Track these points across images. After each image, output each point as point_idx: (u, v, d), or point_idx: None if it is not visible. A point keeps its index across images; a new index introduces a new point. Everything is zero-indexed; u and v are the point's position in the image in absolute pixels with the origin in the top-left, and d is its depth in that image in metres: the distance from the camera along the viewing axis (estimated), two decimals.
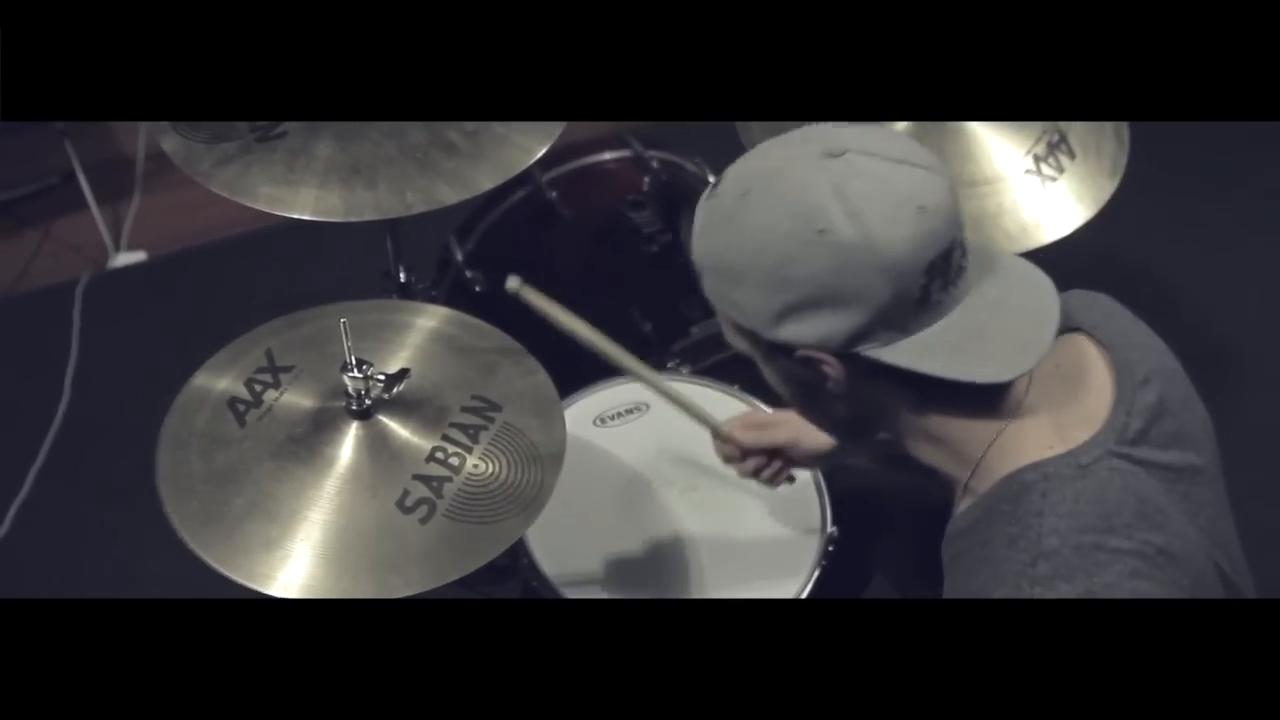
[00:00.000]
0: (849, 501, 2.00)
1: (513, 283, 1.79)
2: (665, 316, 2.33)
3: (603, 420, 2.11)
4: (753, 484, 1.91)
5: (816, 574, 1.91)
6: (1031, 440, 1.27)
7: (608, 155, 2.60)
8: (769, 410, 2.00)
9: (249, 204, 1.92)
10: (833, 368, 1.26)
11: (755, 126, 2.09)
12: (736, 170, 1.30)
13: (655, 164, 2.58)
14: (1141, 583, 1.20)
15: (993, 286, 1.27)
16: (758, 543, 1.97)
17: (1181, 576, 1.24)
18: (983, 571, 1.25)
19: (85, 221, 3.42)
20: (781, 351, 1.28)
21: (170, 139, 2.00)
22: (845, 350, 1.24)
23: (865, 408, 1.32)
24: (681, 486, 2.03)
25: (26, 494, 2.83)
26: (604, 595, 1.89)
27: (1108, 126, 2.16)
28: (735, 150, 2.10)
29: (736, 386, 2.15)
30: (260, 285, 3.11)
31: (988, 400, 1.28)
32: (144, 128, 3.55)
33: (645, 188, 2.52)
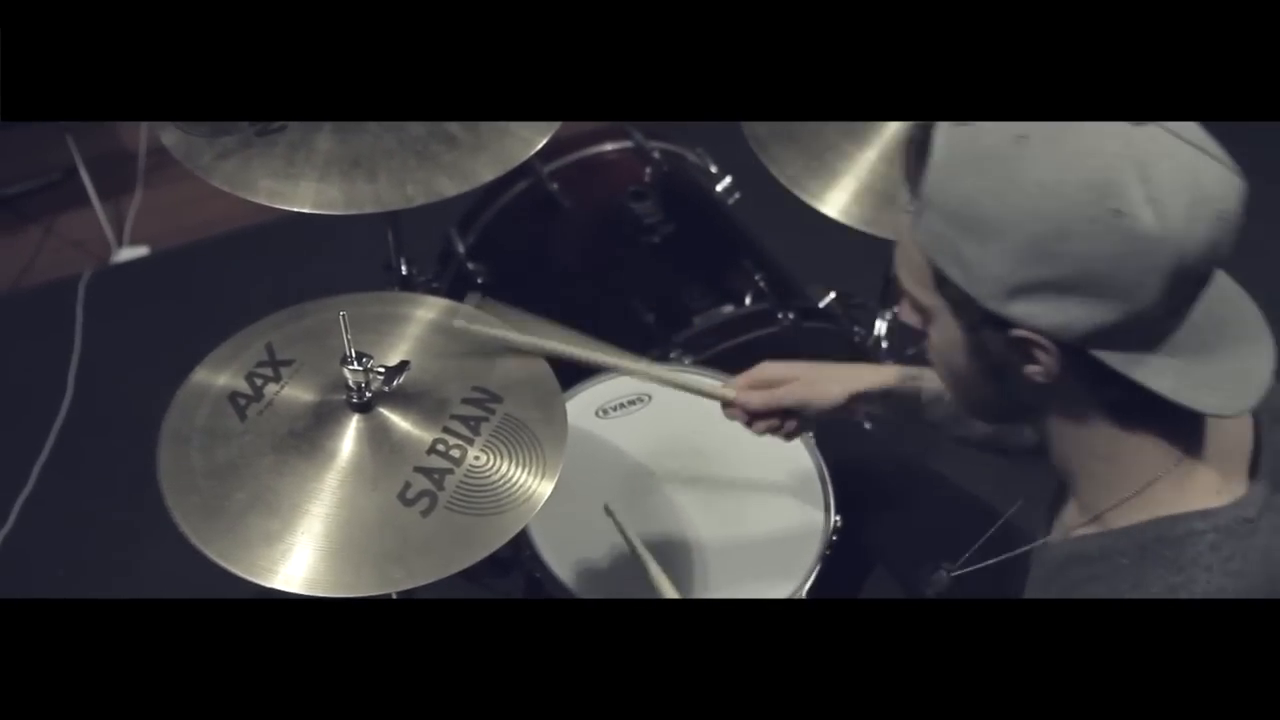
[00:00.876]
0: (854, 487, 1.99)
1: (459, 322, 1.78)
2: (667, 307, 2.32)
3: (605, 411, 2.10)
4: (755, 471, 1.91)
5: (819, 566, 1.91)
6: (1201, 483, 1.17)
7: (609, 146, 2.60)
8: (770, 366, 1.87)
9: (250, 198, 1.92)
10: (1049, 358, 1.12)
11: (758, 127, 2.10)
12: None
13: (657, 155, 2.58)
14: None
15: (1212, 302, 1.12)
16: (762, 533, 1.97)
17: None
18: None
19: (88, 217, 3.42)
20: (996, 325, 1.12)
21: (171, 134, 2.00)
22: (1080, 345, 1.10)
23: (1047, 404, 1.19)
24: (684, 477, 2.02)
25: (31, 489, 2.84)
26: (607, 586, 1.88)
27: None
28: (737, 141, 2.12)
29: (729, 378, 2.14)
30: (262, 278, 3.10)
31: (1183, 431, 1.17)
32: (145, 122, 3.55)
33: (647, 178, 2.52)
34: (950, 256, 1.12)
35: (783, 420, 1.77)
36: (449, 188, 1.96)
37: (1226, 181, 1.07)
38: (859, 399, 1.73)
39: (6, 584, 2.68)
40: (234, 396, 1.72)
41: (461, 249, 2.53)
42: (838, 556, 1.92)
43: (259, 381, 1.74)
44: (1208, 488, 1.17)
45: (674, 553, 1.93)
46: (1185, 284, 1.07)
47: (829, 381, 1.74)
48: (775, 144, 2.08)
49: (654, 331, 2.29)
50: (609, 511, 1.88)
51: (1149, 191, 1.03)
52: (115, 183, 3.52)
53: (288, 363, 1.76)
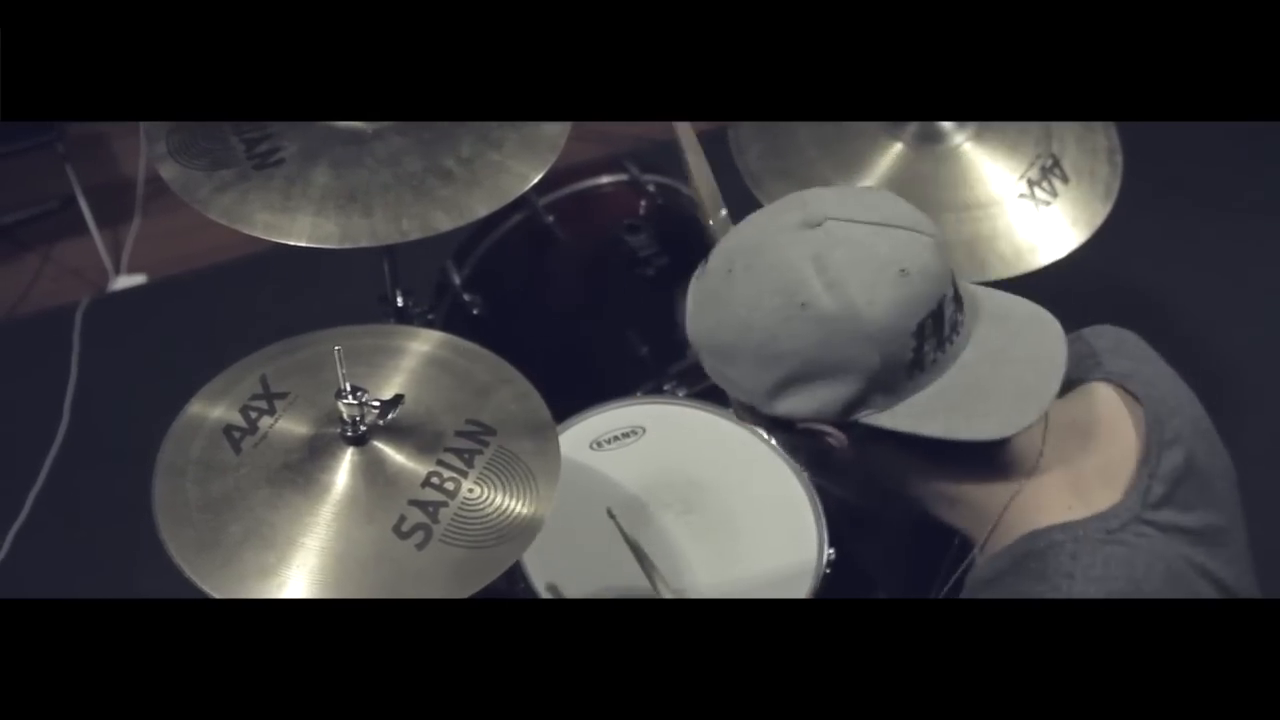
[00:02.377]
0: (848, 522, 1.99)
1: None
2: (662, 339, 2.32)
3: (599, 444, 2.10)
4: (749, 505, 1.90)
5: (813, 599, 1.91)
6: (1049, 500, 1.25)
7: (604, 179, 2.60)
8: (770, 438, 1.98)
9: (246, 231, 1.92)
10: (835, 438, 1.24)
11: (752, 162, 2.10)
12: (723, 247, 1.28)
13: (651, 188, 2.58)
14: None
15: (995, 336, 1.24)
16: (754, 564, 1.96)
17: None
18: None
19: (85, 245, 3.42)
20: (783, 425, 1.27)
21: (169, 166, 1.99)
22: (843, 419, 1.22)
23: (878, 473, 1.30)
24: (678, 510, 2.02)
25: (25, 518, 2.82)
26: None
27: (1101, 150, 2.16)
28: (731, 174, 2.12)
29: (730, 408, 2.14)
30: (259, 309, 3.11)
31: (999, 459, 1.25)
32: (143, 151, 3.54)
33: (642, 211, 2.52)
34: (724, 381, 1.29)
35: None
36: (444, 222, 1.96)
37: (910, 243, 1.19)
38: None
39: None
40: (229, 429, 1.72)
41: (457, 281, 2.52)
42: (833, 586, 1.92)
43: (254, 414, 1.74)
44: (1059, 503, 1.25)
45: (668, 584, 1.93)
46: (900, 339, 1.18)
47: None
48: (768, 178, 2.09)
49: (649, 363, 2.29)
50: (611, 515, 1.92)
51: (826, 278, 1.17)
52: (113, 211, 3.51)
53: (282, 395, 1.76)
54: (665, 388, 2.24)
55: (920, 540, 1.89)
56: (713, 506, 2.02)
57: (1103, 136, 2.19)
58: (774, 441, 1.39)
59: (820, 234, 1.19)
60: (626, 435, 2.11)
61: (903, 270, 1.17)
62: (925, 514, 1.34)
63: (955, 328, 1.21)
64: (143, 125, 2.07)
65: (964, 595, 1.33)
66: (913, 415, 1.20)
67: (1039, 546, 1.23)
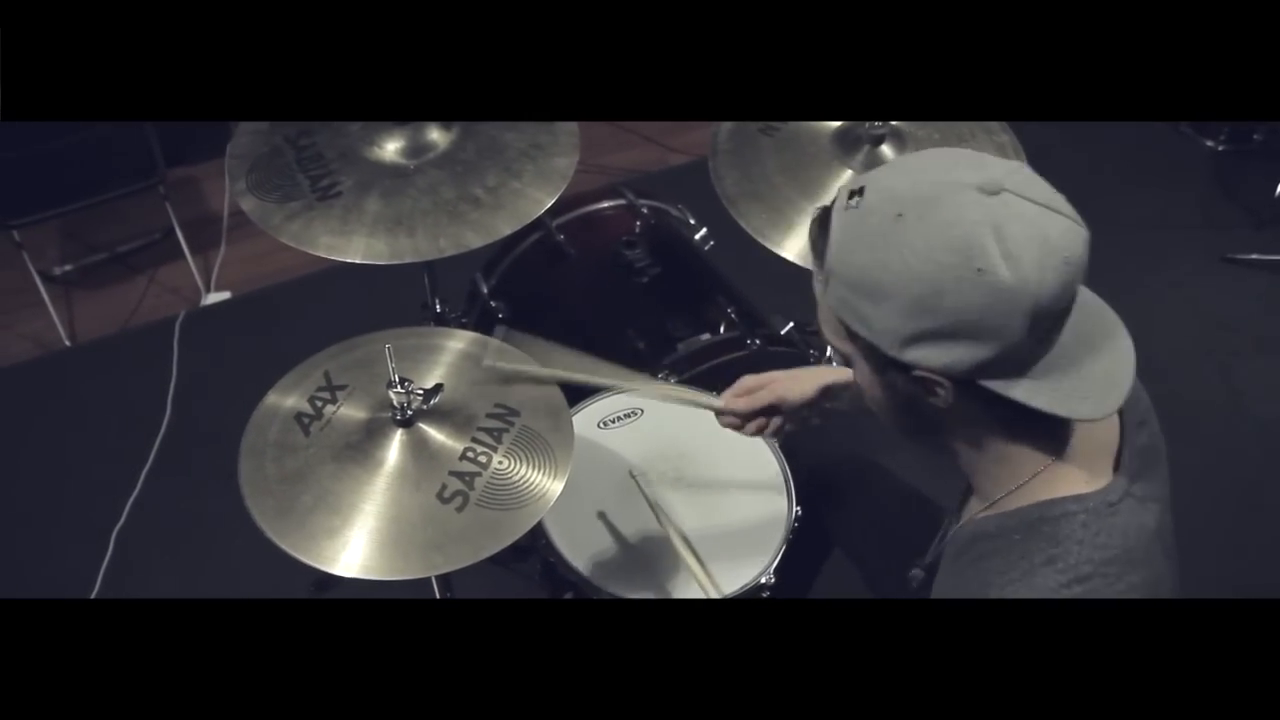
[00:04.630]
0: (812, 484, 1.97)
1: (486, 360, 1.76)
2: (655, 336, 2.30)
3: (605, 423, 2.08)
4: (730, 471, 1.88)
5: (784, 546, 1.89)
6: (1071, 474, 1.19)
7: (606, 204, 2.59)
8: (749, 377, 1.91)
9: (311, 251, 1.91)
10: (945, 389, 1.12)
11: (729, 187, 2.08)
12: (885, 186, 1.10)
13: (645, 210, 2.56)
14: None
15: (1084, 322, 1.13)
16: (736, 521, 1.94)
17: (1165, 596, 1.21)
18: (1012, 575, 1.17)
19: (182, 268, 3.42)
20: (898, 368, 1.13)
21: (248, 200, 1.99)
22: (966, 379, 1.10)
23: (951, 423, 1.19)
24: (672, 477, 2.00)
25: (138, 492, 2.82)
26: (609, 569, 1.86)
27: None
28: (711, 198, 2.10)
29: (715, 393, 2.12)
30: (323, 316, 3.08)
31: (1058, 435, 1.19)
32: (227, 189, 3.54)
33: (637, 230, 2.50)
34: (855, 315, 1.13)
35: (768, 418, 1.73)
36: (475, 240, 1.94)
37: (1071, 232, 1.07)
38: (826, 392, 1.70)
39: (122, 569, 2.68)
40: (299, 416, 1.71)
41: (485, 290, 2.51)
42: (801, 542, 1.90)
43: (319, 403, 1.72)
44: (1077, 479, 1.19)
45: (662, 540, 1.91)
46: (1045, 320, 1.07)
47: (801, 379, 1.71)
48: (743, 201, 2.07)
49: (645, 356, 2.27)
50: (632, 475, 1.91)
51: (1004, 249, 1.03)
52: (204, 240, 3.52)
53: (343, 387, 1.74)
54: (659, 376, 2.22)
55: (903, 512, 1.87)
56: (700, 474, 2.00)
57: (1016, 163, 2.16)
58: (867, 375, 1.20)
59: (998, 204, 1.05)
60: (628, 416, 2.10)
61: (1067, 258, 1.05)
62: (936, 463, 1.27)
63: (1068, 314, 1.11)
64: (227, 166, 2.04)
65: (954, 544, 1.29)
66: (1027, 387, 1.10)
67: (1053, 514, 1.17)
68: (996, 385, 1.10)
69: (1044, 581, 1.14)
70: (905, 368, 1.12)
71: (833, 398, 1.71)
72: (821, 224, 1.16)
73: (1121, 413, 1.23)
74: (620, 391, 2.06)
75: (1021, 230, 1.04)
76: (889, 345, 1.11)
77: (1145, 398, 1.31)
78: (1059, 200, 1.08)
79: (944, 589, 1.29)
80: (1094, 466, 1.20)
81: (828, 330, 1.20)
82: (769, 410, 1.72)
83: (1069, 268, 1.06)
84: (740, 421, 1.74)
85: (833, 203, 1.15)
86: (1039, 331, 1.07)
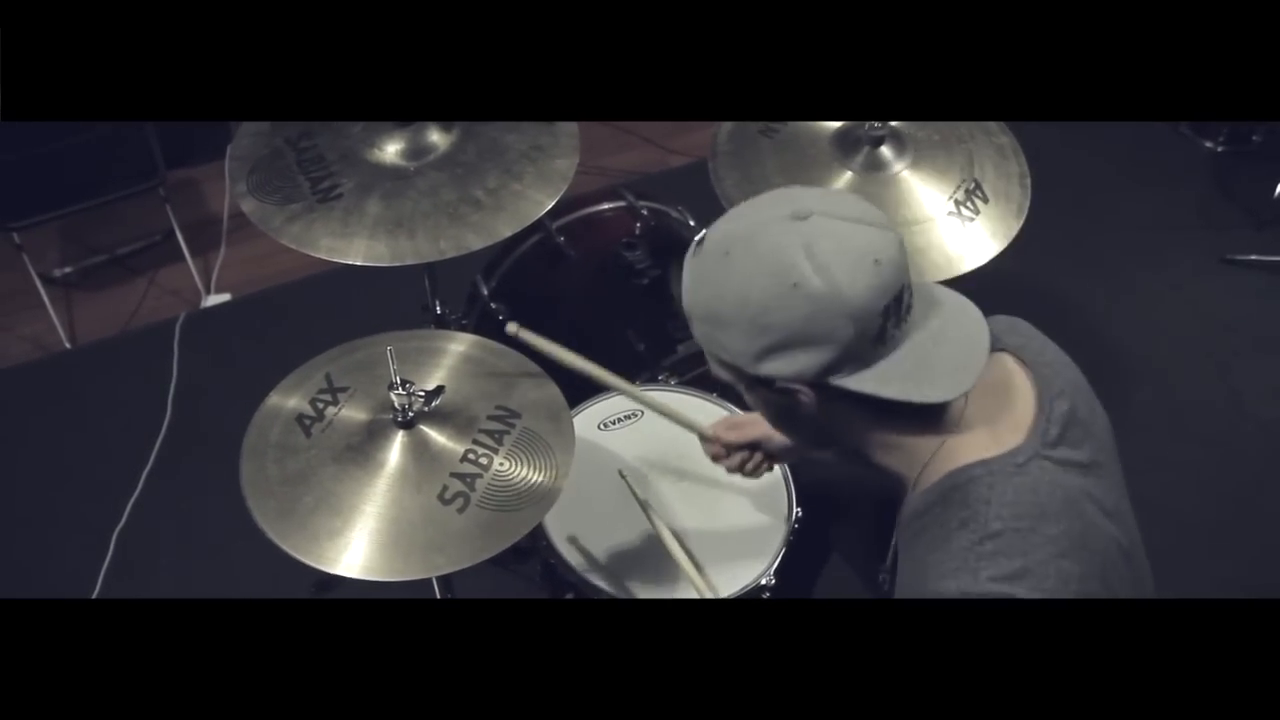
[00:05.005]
0: (812, 489, 1.97)
1: (511, 327, 1.78)
2: (656, 337, 2.30)
3: (605, 425, 2.09)
4: (732, 477, 1.88)
5: (785, 548, 1.89)
6: (972, 445, 1.25)
7: (606, 205, 2.59)
8: (742, 413, 1.96)
9: (313, 254, 1.91)
10: (806, 395, 1.23)
11: (729, 188, 2.08)
12: (718, 232, 1.25)
13: (645, 212, 2.56)
14: (1066, 562, 1.19)
15: (935, 319, 1.25)
16: (735, 524, 1.95)
17: (1093, 556, 1.23)
18: (937, 546, 1.22)
19: (182, 270, 3.42)
20: (763, 384, 1.25)
21: (248, 202, 1.99)
22: (817, 381, 1.21)
23: (833, 425, 1.29)
24: (672, 478, 2.01)
25: (139, 493, 2.82)
26: (609, 571, 1.86)
27: (1014, 175, 2.14)
28: (711, 201, 2.10)
29: (715, 394, 2.13)
30: (322, 319, 3.07)
31: (935, 415, 1.26)
32: (228, 191, 3.54)
33: (637, 232, 2.50)
34: (714, 344, 1.25)
35: (750, 454, 1.79)
36: (475, 242, 1.94)
37: (875, 238, 1.18)
38: None
39: (122, 569, 2.67)
40: (301, 418, 1.71)
41: (486, 292, 2.51)
42: (802, 544, 1.91)
43: (321, 405, 1.73)
44: (981, 445, 1.25)
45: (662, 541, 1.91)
46: (869, 317, 1.17)
47: None
48: (742, 201, 2.06)
49: (645, 358, 2.27)
50: (622, 475, 1.93)
51: (815, 263, 1.16)
52: (204, 242, 3.51)
53: (344, 389, 1.75)
54: (659, 377, 2.23)
55: (879, 518, 1.88)
56: (701, 475, 2.01)
57: (1015, 164, 2.17)
58: (750, 398, 1.33)
59: (808, 226, 1.18)
60: (628, 417, 2.10)
61: (877, 260, 1.17)
62: (865, 462, 1.34)
63: (909, 310, 1.22)
64: (228, 168, 2.04)
65: (900, 528, 1.33)
66: (875, 380, 1.20)
67: (961, 481, 1.23)
68: (848, 383, 1.20)
69: (959, 544, 1.20)
70: (768, 382, 1.24)
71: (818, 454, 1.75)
72: (680, 273, 1.30)
73: (1037, 390, 1.30)
74: (618, 394, 2.06)
75: (830, 244, 1.17)
76: (746, 364, 1.23)
77: (1073, 377, 1.36)
78: (871, 213, 1.21)
79: (901, 575, 1.33)
80: (1001, 435, 1.27)
81: (713, 366, 1.31)
82: (752, 446, 1.79)
83: (880, 268, 1.17)
84: (725, 453, 1.80)
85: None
86: (870, 329, 1.18)
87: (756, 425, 1.78)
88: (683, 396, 2.12)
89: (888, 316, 1.19)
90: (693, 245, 1.28)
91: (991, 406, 1.29)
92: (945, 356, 1.23)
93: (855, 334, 1.17)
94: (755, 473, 1.82)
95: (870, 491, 1.98)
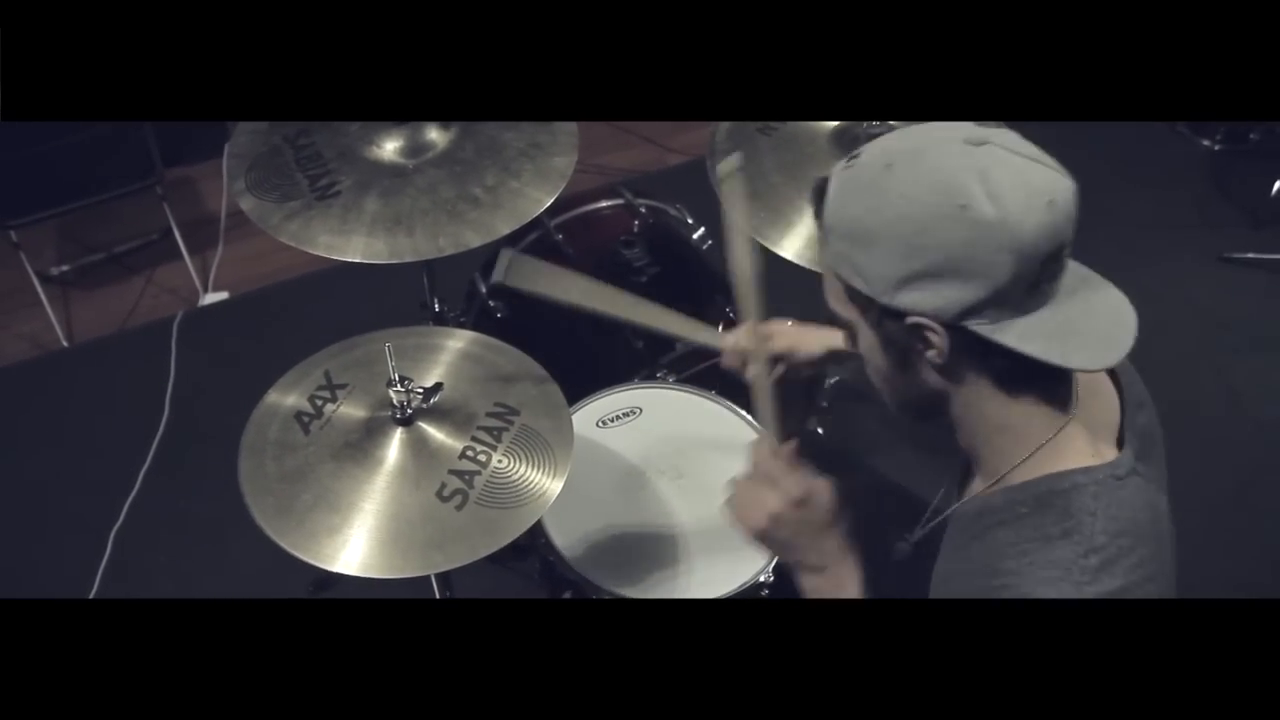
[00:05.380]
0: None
1: (502, 262, 1.69)
2: (654, 335, 2.29)
3: (604, 422, 2.08)
4: (730, 469, 1.87)
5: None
6: (1076, 447, 1.19)
7: (604, 203, 2.59)
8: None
9: (311, 251, 1.91)
10: (939, 337, 1.13)
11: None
12: (879, 146, 1.15)
13: (643, 210, 2.56)
14: (1151, 585, 1.16)
15: (1084, 290, 1.16)
16: None
17: (1167, 580, 1.21)
18: (1033, 551, 1.16)
19: (179, 268, 3.42)
20: (893, 317, 1.14)
21: (247, 199, 1.99)
22: (957, 322, 1.11)
23: (950, 382, 1.19)
24: (670, 475, 2.00)
25: (137, 492, 2.82)
26: (608, 568, 1.86)
27: None
28: (709, 197, 2.09)
29: (714, 391, 2.13)
30: (321, 317, 3.07)
31: (1057, 396, 1.20)
32: (225, 187, 3.54)
33: (636, 229, 2.50)
34: (850, 267, 1.15)
35: (773, 365, 1.72)
36: (474, 239, 1.94)
37: (1053, 179, 1.10)
38: (832, 355, 1.70)
39: (120, 569, 2.67)
40: (299, 415, 1.71)
41: (484, 289, 2.51)
42: None
43: (319, 402, 1.72)
44: (1082, 452, 1.19)
45: (662, 537, 1.91)
46: (1031, 261, 1.09)
47: (811, 336, 1.72)
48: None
49: (643, 354, 2.27)
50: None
51: (988, 189, 1.07)
52: (201, 240, 3.52)
53: (342, 386, 1.75)
54: (658, 375, 2.23)
55: (903, 510, 1.86)
56: (699, 471, 2.01)
57: None
58: (868, 337, 1.22)
59: (983, 152, 1.09)
60: (627, 414, 2.10)
61: (1051, 201, 1.08)
62: (960, 435, 1.26)
63: (1063, 269, 1.14)
64: (226, 165, 2.04)
65: (957, 522, 1.28)
66: (1018, 333, 1.11)
67: (1063, 486, 1.17)
68: (988, 329, 1.11)
69: (1062, 554, 1.14)
70: (899, 316, 1.14)
71: (838, 362, 1.71)
72: (820, 189, 1.20)
73: (1121, 392, 1.25)
74: (620, 388, 2.06)
75: (1005, 175, 1.08)
76: (882, 292, 1.13)
77: (1143, 386, 1.32)
78: (1046, 157, 1.13)
79: (949, 567, 1.29)
80: (1097, 442, 1.21)
81: (832, 298, 1.22)
82: (776, 359, 1.72)
83: (1054, 210, 1.08)
84: (743, 362, 1.71)
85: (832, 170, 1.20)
86: (1027, 274, 1.09)
87: (780, 337, 1.71)
88: (682, 394, 2.12)
89: (1047, 266, 1.10)
90: (840, 162, 1.18)
91: (1089, 411, 1.23)
92: (1093, 328, 1.14)
93: (1012, 276, 1.08)
94: (776, 380, 1.70)
95: (869, 483, 1.97)
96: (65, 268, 3.45)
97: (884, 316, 1.16)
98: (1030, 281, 1.10)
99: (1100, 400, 1.25)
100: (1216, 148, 3.77)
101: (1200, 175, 3.68)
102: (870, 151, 1.15)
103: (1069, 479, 1.17)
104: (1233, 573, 2.57)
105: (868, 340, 1.22)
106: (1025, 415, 1.19)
